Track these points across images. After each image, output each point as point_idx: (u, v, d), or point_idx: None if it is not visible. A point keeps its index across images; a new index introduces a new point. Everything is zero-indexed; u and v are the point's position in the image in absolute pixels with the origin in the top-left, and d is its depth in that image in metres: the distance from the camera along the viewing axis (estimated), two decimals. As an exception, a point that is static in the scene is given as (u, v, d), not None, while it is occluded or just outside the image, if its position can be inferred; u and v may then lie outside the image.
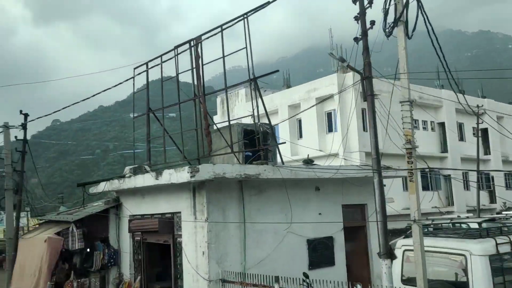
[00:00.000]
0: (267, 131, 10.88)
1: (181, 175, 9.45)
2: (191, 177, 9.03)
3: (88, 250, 12.78)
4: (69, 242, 12.38)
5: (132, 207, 12.45)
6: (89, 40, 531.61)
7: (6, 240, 14.14)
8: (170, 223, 10.86)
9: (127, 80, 14.36)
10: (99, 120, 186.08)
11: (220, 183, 9.69)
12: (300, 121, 28.01)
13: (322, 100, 24.52)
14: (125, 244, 12.60)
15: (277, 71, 12.46)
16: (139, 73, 13.80)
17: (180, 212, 10.61)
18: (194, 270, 9.75)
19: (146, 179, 10.93)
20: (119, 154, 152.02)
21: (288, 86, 31.09)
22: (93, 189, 13.48)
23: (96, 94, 16.64)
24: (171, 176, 9.89)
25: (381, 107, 9.05)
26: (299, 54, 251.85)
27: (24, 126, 14.67)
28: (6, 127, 12.90)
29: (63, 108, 16.54)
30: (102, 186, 12.91)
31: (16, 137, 17.45)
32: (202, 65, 11.05)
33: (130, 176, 11.70)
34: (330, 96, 23.32)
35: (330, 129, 26.58)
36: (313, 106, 23.65)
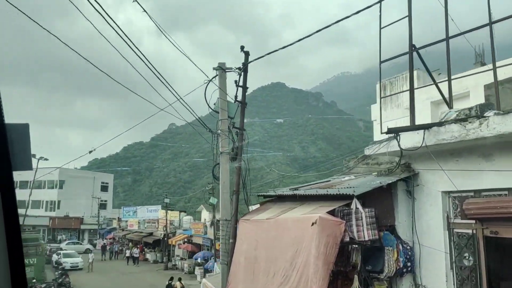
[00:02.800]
0: None
1: None
2: None
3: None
4: (353, 229, 7.10)
5: (440, 181, 7.33)
6: (204, 49, 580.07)
7: (221, 222, 10.46)
8: None
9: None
10: (210, 124, 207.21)
11: None
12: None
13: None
14: (430, 239, 7.58)
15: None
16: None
17: None
18: None
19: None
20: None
21: (483, 64, 25.29)
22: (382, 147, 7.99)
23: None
24: None
25: None
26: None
27: (244, 67, 10.17)
28: (222, 69, 9.79)
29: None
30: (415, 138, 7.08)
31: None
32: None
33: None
34: None
35: None
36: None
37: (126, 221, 53.93)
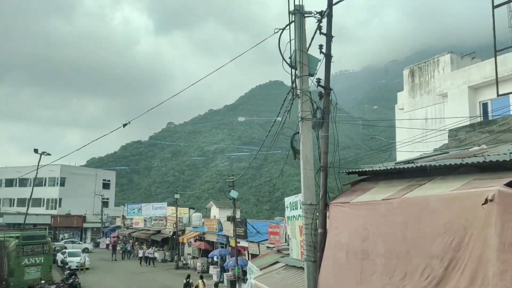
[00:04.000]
0: None
1: None
2: None
3: None
4: None
5: None
6: (202, 47, 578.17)
7: (304, 208, 8.19)
8: None
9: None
10: (209, 123, 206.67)
11: None
12: None
13: None
14: None
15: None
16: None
17: None
18: None
19: None
20: (227, 156, 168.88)
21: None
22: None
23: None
24: None
25: None
26: (411, 57, 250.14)
27: (328, 10, 7.80)
28: (300, 13, 7.85)
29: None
30: None
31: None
32: None
33: None
34: None
35: None
36: None
37: (131, 219, 51.97)
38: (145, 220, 48.63)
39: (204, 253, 35.13)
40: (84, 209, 61.45)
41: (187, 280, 23.18)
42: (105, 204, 63.00)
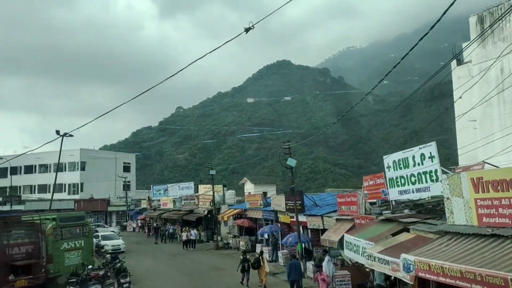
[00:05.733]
0: None
1: None
2: None
3: None
4: None
5: None
6: (207, 30, 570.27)
7: None
8: None
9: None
10: (218, 105, 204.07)
11: None
12: None
13: None
14: None
15: None
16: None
17: None
18: None
19: None
20: (238, 138, 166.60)
21: None
22: None
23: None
24: None
25: None
26: (420, 29, 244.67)
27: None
28: None
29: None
30: None
31: None
32: None
33: None
34: None
35: None
36: None
37: (158, 200, 49.55)
38: (174, 201, 46.16)
39: (248, 231, 32.54)
40: (106, 193, 59.29)
41: (244, 256, 21.30)
42: (126, 187, 60.71)
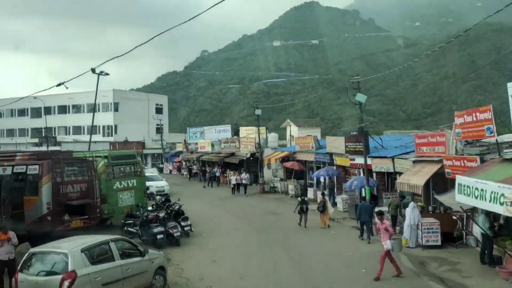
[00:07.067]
0: None
1: None
2: None
3: None
4: None
5: None
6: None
7: None
8: None
9: None
10: (243, 49, 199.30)
11: None
12: None
13: None
14: None
15: None
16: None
17: None
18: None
19: None
20: (263, 83, 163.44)
21: None
22: None
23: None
24: None
25: None
26: None
27: None
28: None
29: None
30: None
31: None
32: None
33: None
34: None
35: None
36: None
37: (196, 143, 48.35)
38: (212, 144, 44.84)
39: (298, 174, 30.97)
40: (139, 136, 58.48)
41: (302, 198, 20.58)
42: (159, 130, 59.72)
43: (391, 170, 20.09)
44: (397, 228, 17.40)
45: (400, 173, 19.01)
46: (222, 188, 35.71)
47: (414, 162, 18.11)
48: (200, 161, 45.43)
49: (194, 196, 30.31)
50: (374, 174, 21.89)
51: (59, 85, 18.97)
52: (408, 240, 15.48)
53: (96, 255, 9.39)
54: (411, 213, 15.54)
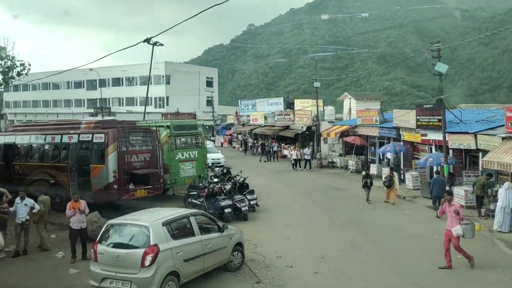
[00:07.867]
0: None
1: None
2: None
3: None
4: None
5: None
6: None
7: None
8: None
9: None
10: (290, 23, 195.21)
11: None
12: None
13: None
14: None
15: None
16: None
17: None
18: None
19: None
20: (310, 57, 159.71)
21: None
22: None
23: None
24: None
25: None
26: None
27: None
28: None
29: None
30: None
31: None
32: None
33: None
34: None
35: None
36: None
37: (248, 116, 47.56)
38: (265, 117, 43.87)
39: (359, 150, 29.49)
40: (190, 108, 58.36)
41: (367, 172, 20.09)
42: (209, 102, 59.38)
43: (473, 147, 18.34)
44: (483, 210, 15.88)
45: (484, 151, 17.34)
46: (279, 162, 34.74)
47: (503, 138, 16.31)
48: (252, 134, 44.67)
49: (251, 170, 29.53)
50: (451, 151, 20.13)
51: (114, 53, 18.55)
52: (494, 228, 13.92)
53: (176, 229, 8.74)
54: (504, 194, 13.93)
